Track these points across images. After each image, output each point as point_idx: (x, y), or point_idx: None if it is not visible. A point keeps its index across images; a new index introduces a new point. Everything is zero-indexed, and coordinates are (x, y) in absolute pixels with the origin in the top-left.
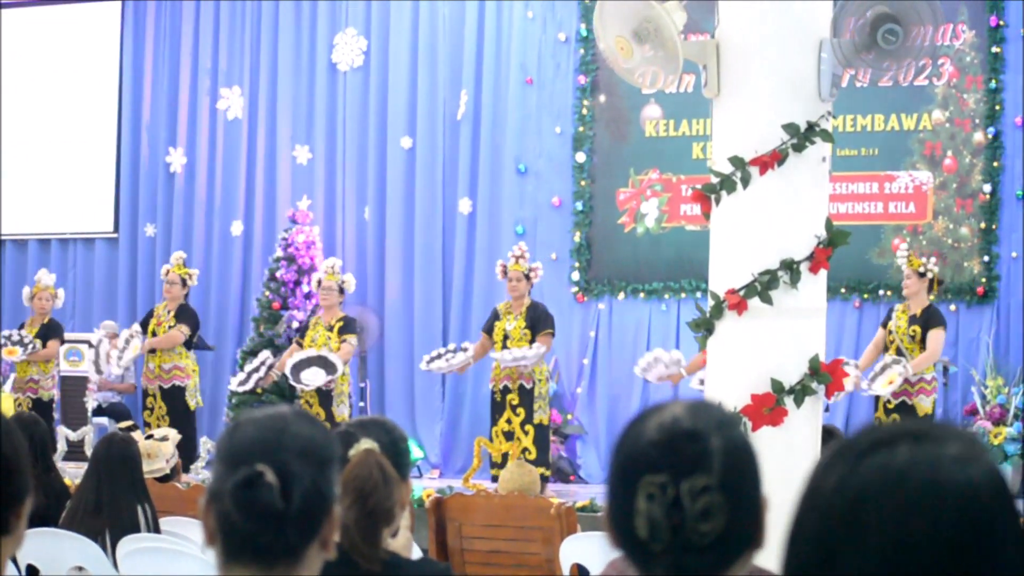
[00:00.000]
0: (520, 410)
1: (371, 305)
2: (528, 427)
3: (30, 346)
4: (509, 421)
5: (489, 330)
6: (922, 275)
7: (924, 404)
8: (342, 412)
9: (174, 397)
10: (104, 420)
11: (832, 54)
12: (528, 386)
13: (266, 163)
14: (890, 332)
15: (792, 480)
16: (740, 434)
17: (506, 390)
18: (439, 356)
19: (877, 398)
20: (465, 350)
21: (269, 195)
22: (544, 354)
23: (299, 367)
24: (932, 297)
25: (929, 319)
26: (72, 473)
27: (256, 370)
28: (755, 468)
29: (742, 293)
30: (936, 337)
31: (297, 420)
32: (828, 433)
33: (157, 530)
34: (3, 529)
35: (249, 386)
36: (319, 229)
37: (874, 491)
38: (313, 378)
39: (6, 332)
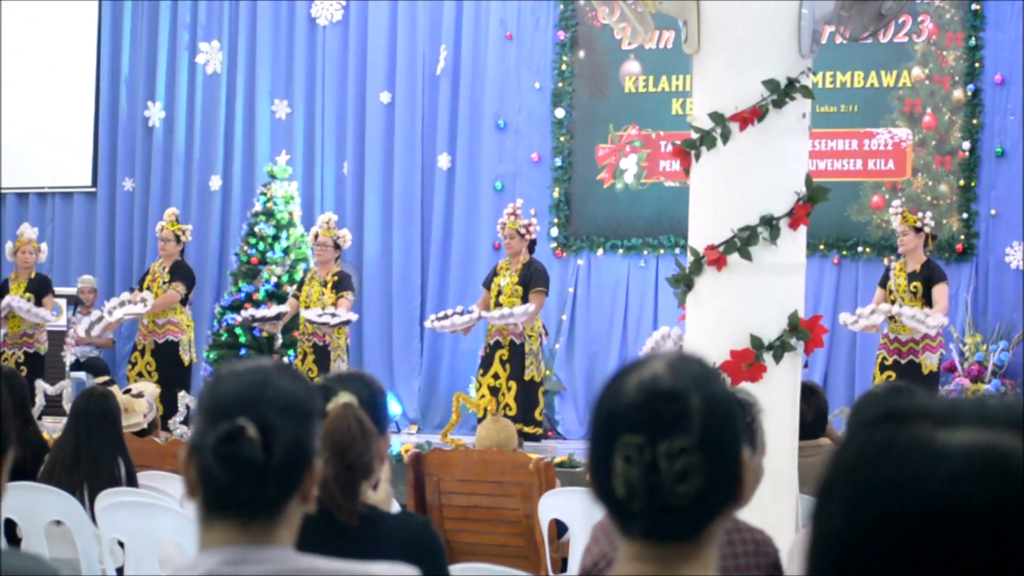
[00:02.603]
0: (508, 365)
1: (349, 260)
2: (512, 383)
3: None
4: (496, 376)
5: (488, 284)
6: (919, 230)
7: (930, 361)
8: (340, 367)
9: (166, 352)
10: (82, 375)
11: (812, 10)
12: (518, 342)
13: (245, 118)
14: (890, 291)
15: (771, 435)
16: (722, 390)
17: (497, 345)
18: (445, 317)
19: (878, 357)
20: (471, 312)
21: (248, 150)
22: (534, 312)
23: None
24: (929, 252)
25: (931, 274)
26: (50, 427)
27: (269, 318)
28: (736, 425)
29: (721, 249)
30: (941, 291)
31: (279, 374)
32: (808, 390)
33: (134, 484)
34: None
35: (257, 317)
36: (298, 184)
37: (846, 470)
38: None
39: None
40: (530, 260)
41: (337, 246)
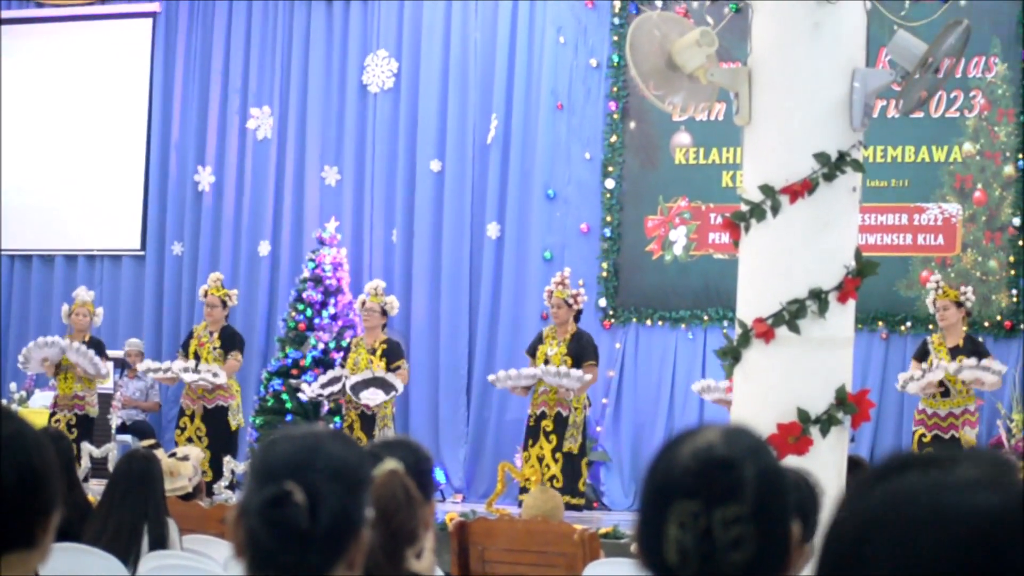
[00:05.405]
0: (552, 437)
1: (397, 328)
2: (558, 455)
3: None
4: (541, 447)
5: (532, 352)
6: (960, 304)
7: (969, 435)
8: (385, 435)
9: (216, 417)
10: (128, 438)
11: (864, 84)
12: (565, 414)
13: (294, 183)
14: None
15: None
16: (774, 461)
17: (543, 416)
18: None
19: (913, 434)
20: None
21: (297, 216)
22: (589, 382)
23: (357, 388)
24: (966, 328)
25: (978, 348)
26: (95, 490)
27: (331, 383)
28: (787, 497)
29: (770, 322)
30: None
31: (331, 441)
32: (854, 463)
33: (178, 548)
34: (30, 542)
35: (324, 396)
36: (346, 251)
37: (879, 516)
38: (372, 397)
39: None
40: (579, 331)
41: (384, 312)
